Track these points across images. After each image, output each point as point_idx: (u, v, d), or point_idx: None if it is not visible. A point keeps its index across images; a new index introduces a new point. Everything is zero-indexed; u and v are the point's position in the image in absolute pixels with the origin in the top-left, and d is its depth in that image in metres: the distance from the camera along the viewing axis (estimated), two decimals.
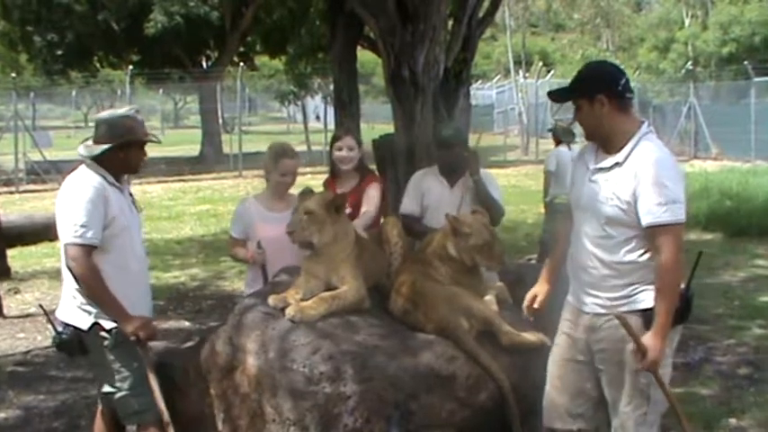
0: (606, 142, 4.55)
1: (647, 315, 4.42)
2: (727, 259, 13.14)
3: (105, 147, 5.03)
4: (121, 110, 5.27)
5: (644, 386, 4.54)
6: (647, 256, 4.45)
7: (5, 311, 10.90)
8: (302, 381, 4.59)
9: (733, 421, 6.65)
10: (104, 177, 5.02)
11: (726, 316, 9.76)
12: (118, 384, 5.03)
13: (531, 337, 5.08)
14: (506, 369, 4.90)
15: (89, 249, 4.85)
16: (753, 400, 7.05)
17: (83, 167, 5.09)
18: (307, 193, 5.44)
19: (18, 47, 35.67)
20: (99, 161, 5.07)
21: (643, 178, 4.33)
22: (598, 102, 4.46)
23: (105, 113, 5.32)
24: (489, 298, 5.36)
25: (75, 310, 5.02)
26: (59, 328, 5.12)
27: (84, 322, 4.99)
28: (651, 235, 4.36)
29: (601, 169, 4.55)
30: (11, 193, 24.88)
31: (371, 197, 6.41)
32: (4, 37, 35.69)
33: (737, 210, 15.85)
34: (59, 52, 32.98)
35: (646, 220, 4.33)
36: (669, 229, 4.31)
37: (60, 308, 5.15)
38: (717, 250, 13.82)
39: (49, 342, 9.47)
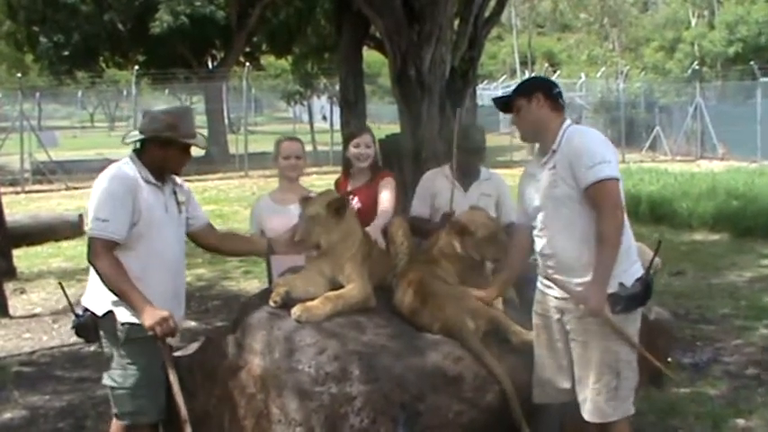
0: (541, 137, 4.99)
1: (613, 298, 4.68)
2: (734, 259, 13.10)
3: (138, 137, 5.01)
4: (172, 105, 5.22)
5: (612, 363, 4.78)
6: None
7: (11, 312, 10.89)
8: (308, 381, 4.57)
9: (741, 422, 6.61)
10: (140, 172, 4.94)
11: (732, 316, 9.72)
12: (119, 380, 4.96)
13: None
14: (513, 369, 4.89)
15: (110, 244, 4.77)
16: (761, 401, 7.02)
17: (124, 159, 5.04)
18: (307, 199, 5.47)
19: (24, 47, 35.68)
20: (140, 156, 5.02)
21: (573, 152, 4.75)
22: (535, 99, 4.92)
23: (156, 105, 5.24)
24: None
25: (94, 296, 4.96)
26: (79, 312, 5.05)
27: (99, 308, 4.93)
28: (592, 197, 4.70)
29: (544, 164, 4.92)
30: (16, 193, 24.86)
31: (387, 196, 6.41)
32: (9, 37, 35.73)
33: (744, 210, 15.79)
34: (65, 53, 33.02)
35: (582, 184, 4.69)
36: (602, 186, 4.65)
37: (85, 293, 5.09)
38: (723, 250, 13.82)
39: (54, 342, 9.52)
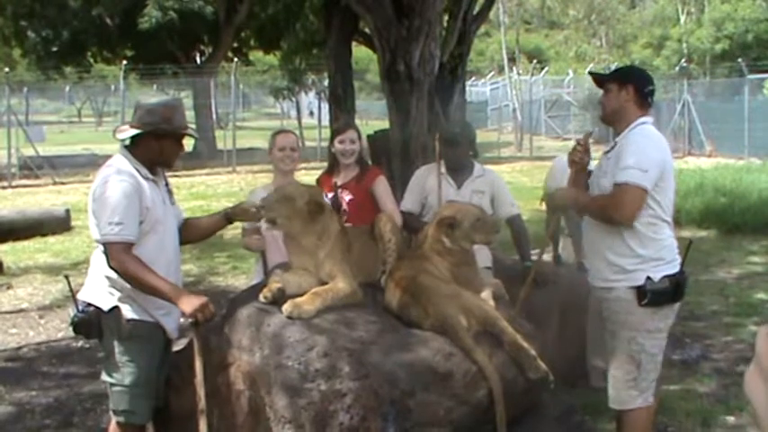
0: (616, 125, 5.26)
1: (640, 291, 5.05)
2: (722, 256, 13.13)
3: (134, 132, 4.94)
4: (165, 97, 5.21)
5: (634, 353, 5.12)
6: (647, 227, 5.06)
7: None
8: (297, 378, 4.54)
9: (731, 419, 6.63)
10: (138, 170, 4.89)
11: (722, 313, 9.75)
12: (118, 377, 4.93)
13: (532, 350, 5.01)
14: (503, 366, 4.84)
15: (127, 246, 4.73)
16: None
17: (117, 157, 4.98)
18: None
19: (12, 42, 35.52)
20: (132, 151, 4.97)
21: (624, 148, 5.05)
22: (626, 89, 5.17)
23: (147, 99, 5.20)
24: (486, 293, 5.33)
25: (99, 291, 4.91)
26: (81, 307, 4.96)
27: (106, 303, 4.88)
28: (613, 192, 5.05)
29: (606, 152, 5.29)
30: (3, 188, 24.79)
31: (385, 195, 6.49)
32: None
33: (731, 207, 15.87)
34: (53, 48, 32.94)
35: (614, 179, 5.01)
36: (623, 187, 4.95)
37: (84, 288, 5.03)
38: (711, 247, 13.82)
39: (41, 338, 9.47)
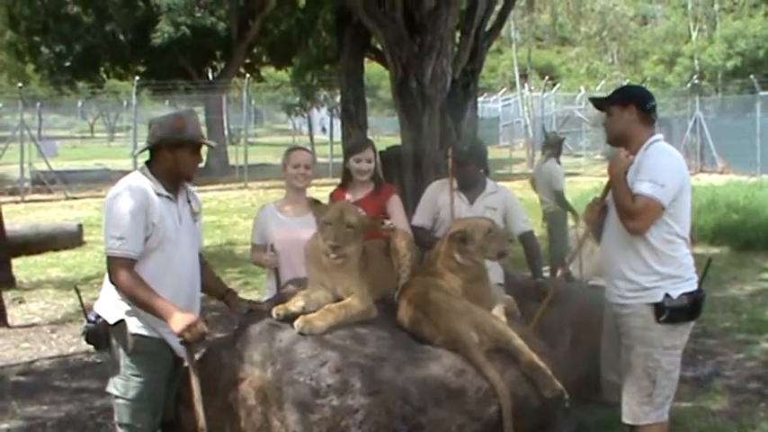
0: (625, 145, 5.26)
1: (658, 307, 5.09)
2: (735, 273, 13.09)
3: (147, 146, 4.98)
4: (176, 110, 5.22)
5: (650, 369, 5.16)
6: (664, 244, 5.10)
7: (10, 321, 10.88)
8: (309, 393, 4.53)
9: None
10: (152, 186, 4.89)
11: (734, 330, 9.71)
12: (122, 390, 4.93)
13: (548, 369, 4.98)
14: (515, 383, 4.83)
15: (128, 262, 4.74)
16: (763, 415, 6.99)
17: (134, 173, 5.01)
18: (316, 203, 5.40)
19: (25, 57, 35.70)
20: (151, 167, 4.98)
21: (644, 163, 5.11)
22: (628, 110, 5.23)
23: (159, 115, 5.22)
24: (498, 310, 5.32)
25: (109, 304, 4.92)
26: (92, 317, 4.98)
27: (112, 316, 4.89)
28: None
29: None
30: (16, 202, 24.84)
31: (398, 212, 6.54)
32: (11, 47, 35.75)
33: (744, 223, 15.85)
34: (66, 63, 33.09)
35: (632, 190, 5.06)
36: (639, 198, 5.00)
37: (98, 300, 5.04)
38: (724, 264, 13.77)
39: (53, 352, 9.49)
